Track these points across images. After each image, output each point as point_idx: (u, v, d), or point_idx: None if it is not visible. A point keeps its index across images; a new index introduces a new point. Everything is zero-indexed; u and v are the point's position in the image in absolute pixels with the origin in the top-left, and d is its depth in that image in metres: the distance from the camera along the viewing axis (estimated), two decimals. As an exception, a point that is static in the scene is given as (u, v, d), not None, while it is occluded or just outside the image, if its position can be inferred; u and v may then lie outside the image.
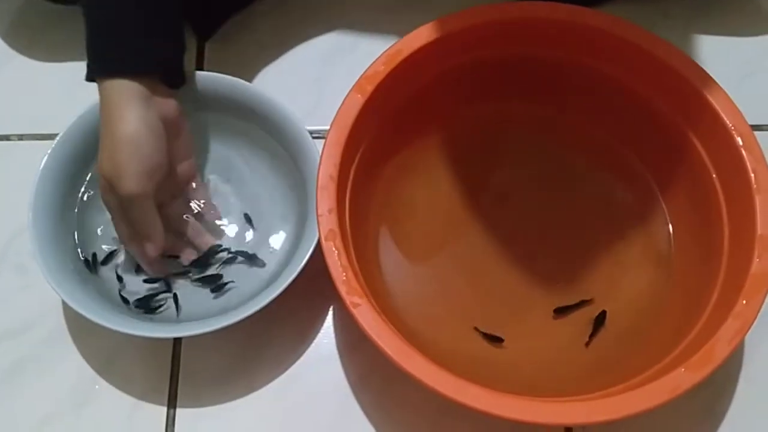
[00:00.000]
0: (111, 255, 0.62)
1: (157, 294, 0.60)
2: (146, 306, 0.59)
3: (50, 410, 0.59)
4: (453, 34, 0.59)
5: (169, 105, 0.57)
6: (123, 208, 0.55)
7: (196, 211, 0.62)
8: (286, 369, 0.60)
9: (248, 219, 0.63)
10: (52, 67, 0.74)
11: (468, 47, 0.61)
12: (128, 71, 0.54)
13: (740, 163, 0.54)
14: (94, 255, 0.61)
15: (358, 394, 0.59)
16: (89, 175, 0.63)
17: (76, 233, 0.62)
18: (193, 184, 0.62)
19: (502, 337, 0.59)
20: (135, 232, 0.57)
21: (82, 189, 0.63)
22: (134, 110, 0.54)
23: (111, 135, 0.54)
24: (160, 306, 0.60)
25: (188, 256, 0.61)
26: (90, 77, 0.56)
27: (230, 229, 0.63)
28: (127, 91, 0.54)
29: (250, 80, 0.62)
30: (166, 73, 0.57)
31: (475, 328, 0.59)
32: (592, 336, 0.59)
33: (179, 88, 0.60)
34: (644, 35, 0.58)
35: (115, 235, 0.59)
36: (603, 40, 0.59)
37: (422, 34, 0.58)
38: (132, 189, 0.53)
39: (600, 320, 0.59)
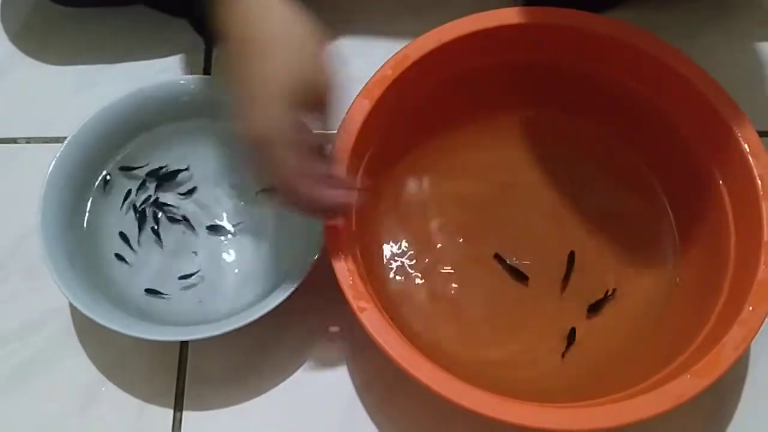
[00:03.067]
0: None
1: None
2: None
3: (57, 412, 0.59)
4: (460, 39, 0.59)
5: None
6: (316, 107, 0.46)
7: None
8: (292, 372, 0.60)
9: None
10: (61, 70, 0.74)
11: (475, 52, 0.61)
12: None
13: (747, 169, 0.54)
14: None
15: (363, 398, 0.59)
16: (98, 178, 0.64)
17: (84, 235, 0.62)
18: None
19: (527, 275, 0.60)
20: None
21: (91, 191, 0.63)
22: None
23: (272, 39, 0.44)
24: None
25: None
26: None
27: (239, 235, 0.64)
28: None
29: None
30: None
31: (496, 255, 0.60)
32: (566, 350, 0.59)
33: None
34: (651, 40, 0.58)
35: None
36: (610, 45, 0.59)
37: (430, 39, 0.58)
38: (329, 73, 0.46)
39: (571, 337, 0.59)
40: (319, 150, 0.51)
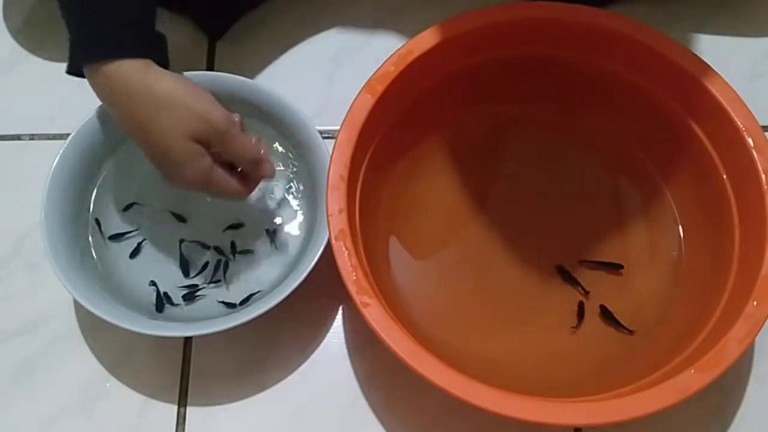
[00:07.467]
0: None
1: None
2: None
3: (61, 408, 0.60)
4: (463, 34, 0.59)
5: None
6: (224, 145, 0.55)
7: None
8: (295, 368, 0.60)
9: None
10: (64, 67, 0.74)
11: (478, 48, 0.61)
12: (133, 52, 0.53)
13: (751, 164, 0.54)
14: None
15: (367, 392, 0.59)
16: (101, 174, 0.64)
17: (88, 232, 0.62)
18: None
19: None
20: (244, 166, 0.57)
21: (95, 188, 0.63)
22: (162, 73, 0.54)
23: (169, 99, 0.53)
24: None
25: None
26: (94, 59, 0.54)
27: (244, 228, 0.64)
28: (143, 65, 0.53)
29: (260, 80, 0.63)
30: (160, 52, 0.56)
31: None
32: (578, 324, 0.59)
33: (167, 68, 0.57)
34: (656, 36, 0.58)
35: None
36: (615, 40, 0.59)
37: (433, 35, 0.58)
38: (224, 115, 0.54)
39: (581, 311, 0.60)
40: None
